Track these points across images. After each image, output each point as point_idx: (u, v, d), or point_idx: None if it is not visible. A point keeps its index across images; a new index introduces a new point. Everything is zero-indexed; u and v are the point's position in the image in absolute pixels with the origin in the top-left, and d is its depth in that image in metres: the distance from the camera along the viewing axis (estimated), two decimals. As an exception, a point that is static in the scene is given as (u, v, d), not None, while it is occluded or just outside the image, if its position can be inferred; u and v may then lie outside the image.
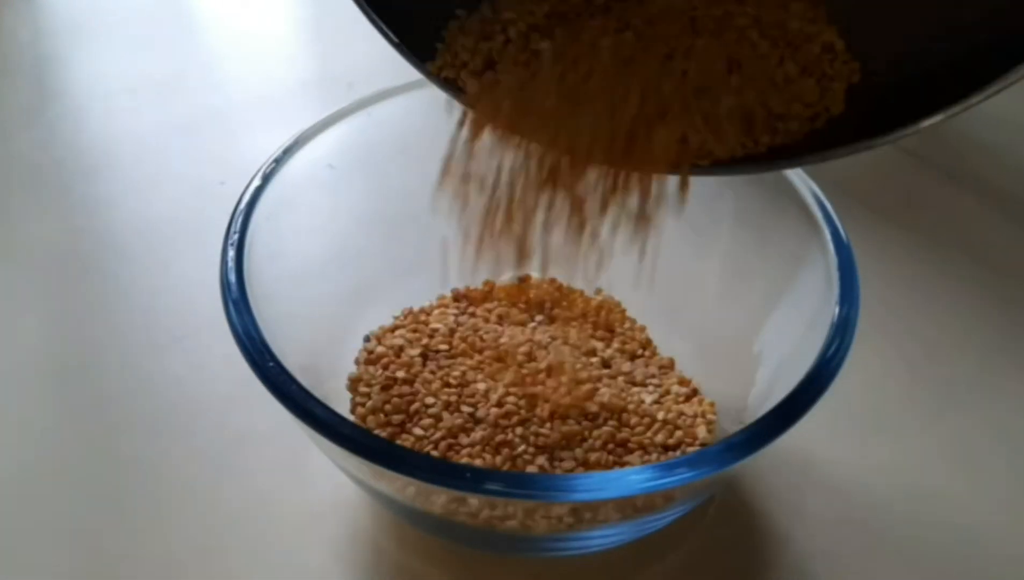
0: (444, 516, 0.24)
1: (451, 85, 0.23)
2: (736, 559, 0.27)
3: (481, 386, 0.28)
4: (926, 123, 0.20)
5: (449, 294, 0.33)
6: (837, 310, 0.24)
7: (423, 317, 0.31)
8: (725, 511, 0.28)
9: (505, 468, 0.26)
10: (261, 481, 0.29)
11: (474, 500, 0.22)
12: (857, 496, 0.29)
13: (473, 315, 0.32)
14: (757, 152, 0.22)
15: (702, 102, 0.22)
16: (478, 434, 0.27)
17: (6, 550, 0.28)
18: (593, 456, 0.26)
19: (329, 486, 0.28)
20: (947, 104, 0.19)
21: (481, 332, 0.30)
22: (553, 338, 0.30)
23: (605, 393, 0.28)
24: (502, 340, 0.30)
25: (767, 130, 0.22)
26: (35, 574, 0.27)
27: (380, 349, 0.30)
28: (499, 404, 0.27)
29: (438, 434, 0.27)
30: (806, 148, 0.22)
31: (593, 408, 0.27)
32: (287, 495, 0.29)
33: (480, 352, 0.30)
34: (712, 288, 0.31)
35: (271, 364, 0.23)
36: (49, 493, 0.29)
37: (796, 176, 0.28)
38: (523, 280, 0.33)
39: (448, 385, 0.28)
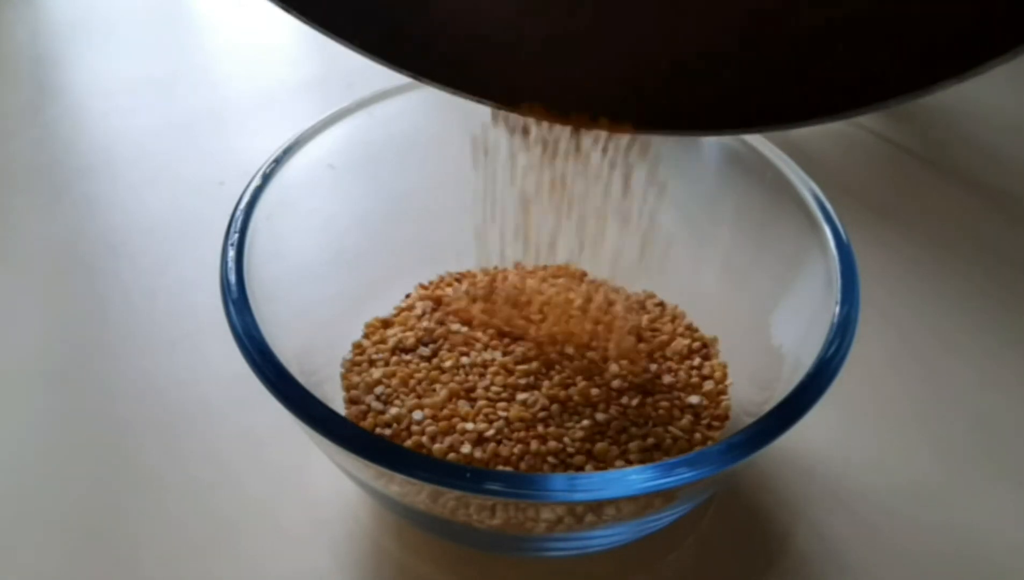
0: (445, 516, 0.24)
1: None
2: (736, 559, 0.27)
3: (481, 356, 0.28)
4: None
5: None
6: (837, 310, 0.24)
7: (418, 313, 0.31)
8: (725, 511, 0.28)
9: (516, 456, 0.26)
10: (261, 481, 0.29)
11: (476, 500, 0.22)
12: (858, 495, 0.29)
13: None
14: None
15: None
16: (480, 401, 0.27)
17: (4, 550, 0.28)
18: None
19: (329, 486, 0.28)
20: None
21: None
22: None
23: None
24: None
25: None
26: (34, 574, 0.27)
27: (366, 342, 0.30)
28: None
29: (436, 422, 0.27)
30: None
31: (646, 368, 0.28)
32: (287, 495, 0.29)
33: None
34: (711, 288, 0.31)
35: (271, 364, 0.23)
36: (48, 494, 0.29)
37: (796, 176, 0.28)
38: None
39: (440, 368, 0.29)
